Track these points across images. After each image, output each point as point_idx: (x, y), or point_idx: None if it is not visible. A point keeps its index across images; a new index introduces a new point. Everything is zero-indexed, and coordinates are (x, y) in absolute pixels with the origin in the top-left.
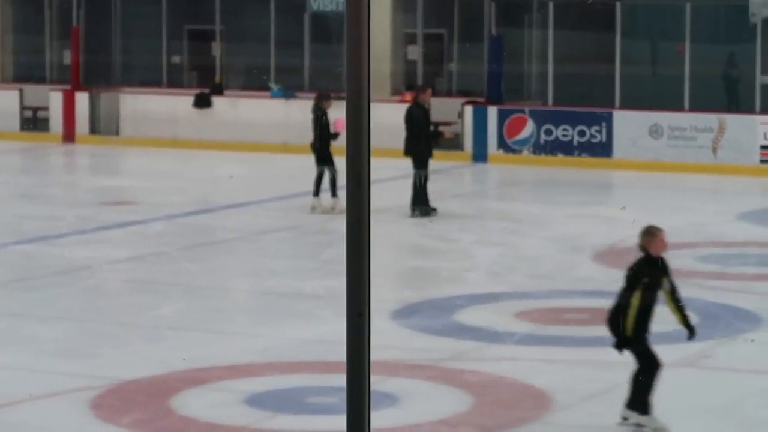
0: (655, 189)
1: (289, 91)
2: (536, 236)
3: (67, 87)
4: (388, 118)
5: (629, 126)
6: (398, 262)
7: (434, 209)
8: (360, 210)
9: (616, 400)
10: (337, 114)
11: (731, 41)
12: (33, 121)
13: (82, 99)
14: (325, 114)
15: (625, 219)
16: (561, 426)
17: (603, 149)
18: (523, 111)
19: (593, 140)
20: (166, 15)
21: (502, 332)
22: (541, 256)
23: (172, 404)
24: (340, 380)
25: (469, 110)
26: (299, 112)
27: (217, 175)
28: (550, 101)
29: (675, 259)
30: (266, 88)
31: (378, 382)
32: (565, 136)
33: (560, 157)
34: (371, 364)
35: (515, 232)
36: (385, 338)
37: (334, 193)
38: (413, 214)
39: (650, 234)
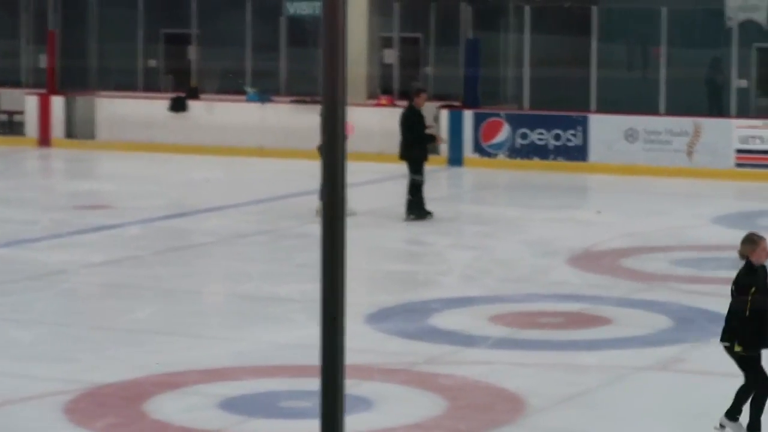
0: (630, 193)
1: (265, 95)
2: (511, 240)
3: (43, 91)
4: (364, 122)
5: (605, 130)
6: (373, 265)
7: (430, 213)
8: (335, 214)
9: (590, 404)
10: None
11: (707, 45)
12: (8, 125)
13: (57, 103)
14: None
15: (600, 223)
16: (535, 429)
17: (578, 153)
18: (498, 115)
19: (569, 144)
20: (142, 19)
21: (476, 336)
22: (516, 259)
23: (146, 408)
24: (315, 384)
25: (444, 114)
26: (275, 115)
27: (192, 178)
28: (526, 105)
29: (650, 263)
30: (242, 92)
31: (352, 386)
32: (540, 139)
33: (536, 160)
34: (345, 367)
35: (490, 236)
36: (360, 342)
37: None
38: (408, 218)
39: (752, 242)
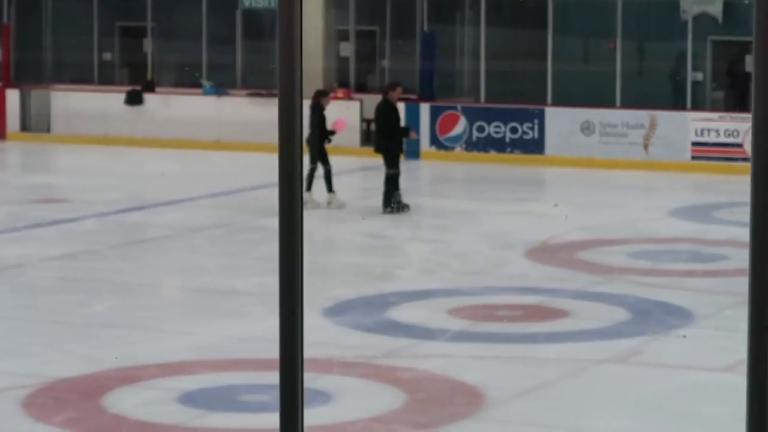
0: (586, 185)
1: (221, 88)
2: (469, 233)
3: None
4: None
5: (561, 123)
6: (331, 258)
7: (407, 205)
8: (292, 207)
9: (548, 396)
10: (334, 112)
11: (663, 38)
12: None
13: (12, 96)
14: (323, 111)
15: (557, 216)
16: (494, 422)
17: (535, 146)
18: (455, 108)
19: (525, 137)
20: (97, 12)
21: (435, 329)
22: (473, 252)
23: (104, 402)
24: (274, 378)
25: (401, 107)
26: (232, 108)
27: (149, 172)
28: (483, 98)
29: (607, 256)
30: (198, 85)
31: (311, 380)
32: (497, 132)
33: (492, 153)
34: (304, 361)
35: (448, 229)
36: (319, 335)
37: (330, 189)
38: (385, 211)
39: None
